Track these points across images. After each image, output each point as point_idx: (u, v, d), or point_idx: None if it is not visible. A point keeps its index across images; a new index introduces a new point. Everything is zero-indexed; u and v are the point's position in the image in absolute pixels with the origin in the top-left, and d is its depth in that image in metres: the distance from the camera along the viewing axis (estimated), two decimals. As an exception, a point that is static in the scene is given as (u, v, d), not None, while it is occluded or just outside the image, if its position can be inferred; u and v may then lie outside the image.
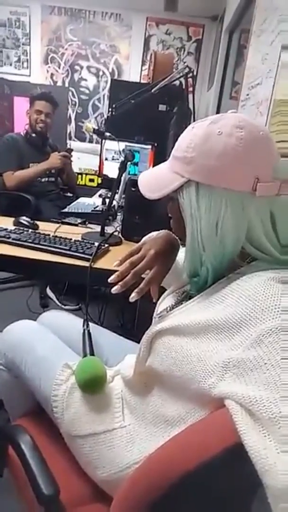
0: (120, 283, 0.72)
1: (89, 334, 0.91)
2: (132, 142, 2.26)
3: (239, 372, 0.48)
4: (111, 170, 2.40)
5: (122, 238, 1.48)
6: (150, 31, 3.91)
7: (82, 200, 2.28)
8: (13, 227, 1.37)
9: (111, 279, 0.73)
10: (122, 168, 1.36)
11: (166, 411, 0.64)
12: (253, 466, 0.41)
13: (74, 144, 4.16)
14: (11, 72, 4.09)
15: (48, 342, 0.90)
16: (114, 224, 1.69)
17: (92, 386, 0.75)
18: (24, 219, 1.48)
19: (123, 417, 0.72)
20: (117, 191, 1.83)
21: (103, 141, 2.39)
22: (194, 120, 2.54)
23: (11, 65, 4.10)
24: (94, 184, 3.83)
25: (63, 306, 2.30)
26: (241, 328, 0.50)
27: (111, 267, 0.80)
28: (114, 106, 2.43)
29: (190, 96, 2.31)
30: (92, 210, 1.91)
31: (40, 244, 1.24)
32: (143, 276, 0.75)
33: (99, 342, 0.94)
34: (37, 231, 1.39)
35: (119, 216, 1.74)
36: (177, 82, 2.31)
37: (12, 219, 1.51)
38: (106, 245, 1.32)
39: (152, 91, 2.05)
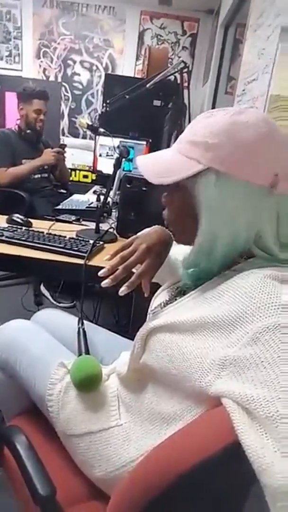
0: (110, 277, 0.71)
1: (84, 332, 0.90)
2: (126, 138, 2.24)
3: (235, 370, 0.48)
4: (106, 166, 2.39)
5: (117, 235, 1.47)
6: (144, 25, 3.87)
7: (76, 196, 2.27)
8: (6, 225, 1.36)
9: (101, 273, 0.72)
10: (117, 164, 1.35)
11: (161, 408, 0.63)
12: (250, 465, 0.41)
13: (67, 140, 4.12)
14: (2, 67, 4.02)
15: (43, 341, 0.89)
16: (109, 221, 1.68)
17: (88, 385, 0.74)
18: (17, 217, 1.46)
19: (119, 416, 0.72)
20: (112, 187, 1.82)
21: (97, 137, 2.37)
22: (189, 116, 2.53)
23: (2, 59, 4.03)
24: (88, 180, 3.82)
25: (57, 304, 2.29)
26: (238, 326, 0.50)
27: (106, 264, 0.79)
28: (108, 101, 2.41)
29: (185, 91, 2.30)
30: (86, 207, 1.90)
31: (34, 242, 1.22)
32: (134, 270, 0.73)
33: (94, 340, 0.93)
34: (30, 228, 1.38)
35: (114, 213, 1.73)
36: (172, 77, 2.30)
37: (5, 217, 1.49)
38: (101, 243, 1.31)
39: (147, 86, 2.03)
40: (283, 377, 0.44)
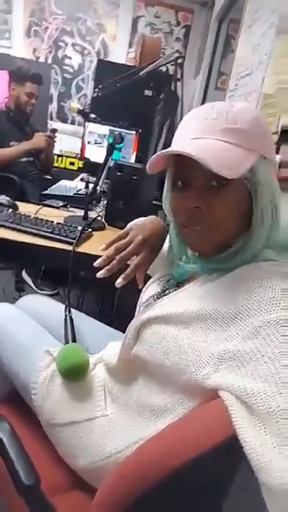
0: (106, 267, 0.70)
1: (71, 320, 0.88)
2: (116, 126, 2.20)
3: (235, 364, 0.47)
4: (93, 154, 2.34)
5: (105, 223, 1.44)
6: (138, 12, 3.79)
7: (64, 182, 2.22)
8: (-9, 207, 1.31)
9: (96, 263, 0.71)
10: (110, 151, 1.32)
11: (151, 400, 0.62)
12: (247, 461, 0.41)
13: (55, 124, 4.00)
14: (-10, 42, 3.85)
15: (28, 328, 0.86)
16: (97, 209, 1.65)
17: (74, 374, 0.73)
18: (3, 198, 1.41)
19: (105, 406, 0.70)
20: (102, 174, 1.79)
21: (87, 123, 2.32)
22: (182, 108, 2.50)
23: (-10, 34, 3.86)
24: (75, 167, 3.73)
25: (39, 291, 2.24)
26: (238, 319, 0.49)
27: (94, 251, 0.78)
28: (99, 87, 2.36)
29: (178, 83, 2.26)
30: (74, 194, 1.86)
31: (21, 225, 1.18)
32: (128, 262, 0.73)
33: (80, 328, 0.91)
34: (16, 211, 1.33)
35: (102, 201, 1.70)
36: (163, 68, 2.27)
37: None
38: (90, 230, 1.28)
39: (141, 74, 1.99)
40: (284, 371, 0.43)
